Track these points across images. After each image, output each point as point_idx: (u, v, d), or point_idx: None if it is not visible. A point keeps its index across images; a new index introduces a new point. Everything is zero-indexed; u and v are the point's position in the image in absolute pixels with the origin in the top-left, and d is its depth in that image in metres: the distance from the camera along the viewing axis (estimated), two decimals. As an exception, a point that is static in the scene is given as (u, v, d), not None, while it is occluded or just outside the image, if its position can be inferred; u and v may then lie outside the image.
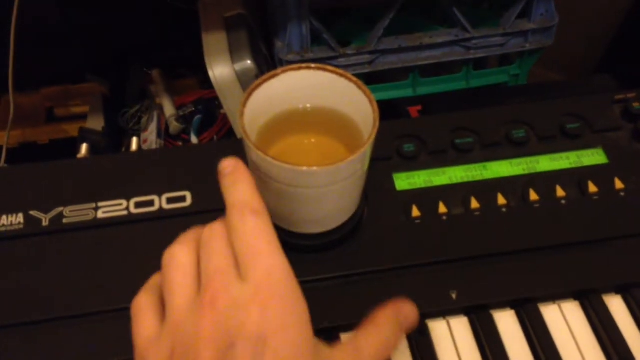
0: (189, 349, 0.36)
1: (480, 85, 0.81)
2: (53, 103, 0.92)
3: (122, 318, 0.46)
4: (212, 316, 0.36)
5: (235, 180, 0.42)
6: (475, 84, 0.80)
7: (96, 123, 0.86)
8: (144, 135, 0.85)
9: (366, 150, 0.46)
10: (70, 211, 0.56)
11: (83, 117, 0.89)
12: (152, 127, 0.85)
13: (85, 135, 0.79)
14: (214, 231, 0.41)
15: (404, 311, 0.45)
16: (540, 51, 0.79)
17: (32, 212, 0.56)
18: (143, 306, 0.41)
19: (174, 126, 0.86)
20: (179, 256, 0.40)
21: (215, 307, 0.37)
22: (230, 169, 0.42)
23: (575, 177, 0.59)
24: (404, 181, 0.59)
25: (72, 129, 0.90)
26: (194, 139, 0.84)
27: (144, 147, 0.83)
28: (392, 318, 0.44)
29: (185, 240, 0.42)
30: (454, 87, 0.81)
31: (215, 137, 0.85)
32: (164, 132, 0.86)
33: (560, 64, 0.99)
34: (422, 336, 0.52)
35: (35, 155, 0.89)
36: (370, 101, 0.48)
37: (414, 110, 0.78)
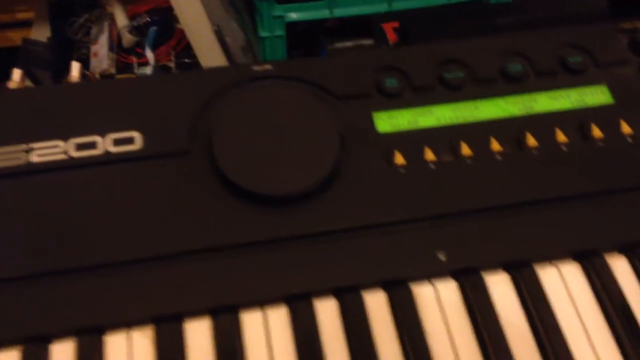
0: None
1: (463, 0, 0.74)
2: (-4, 8, 0.88)
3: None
4: None
5: None
6: (457, -1, 0.74)
7: (42, 33, 0.82)
8: (94, 48, 0.80)
9: None
10: (-3, 154, 0.50)
11: (30, 24, 0.85)
12: (103, 40, 0.80)
13: (28, 46, 0.76)
14: None
15: None
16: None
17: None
18: None
19: (127, 38, 0.80)
20: None
21: None
22: None
23: (577, 119, 0.55)
24: (386, 122, 0.53)
25: (18, 37, 0.85)
26: (149, 53, 0.79)
27: (94, 61, 0.78)
28: None
29: None
30: (434, 1, 0.74)
31: (172, 52, 0.80)
32: (116, 45, 0.81)
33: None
34: (406, 302, 0.47)
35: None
36: None
37: (389, 28, 0.73)
